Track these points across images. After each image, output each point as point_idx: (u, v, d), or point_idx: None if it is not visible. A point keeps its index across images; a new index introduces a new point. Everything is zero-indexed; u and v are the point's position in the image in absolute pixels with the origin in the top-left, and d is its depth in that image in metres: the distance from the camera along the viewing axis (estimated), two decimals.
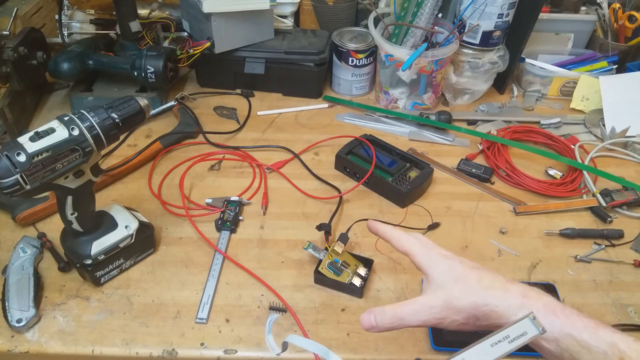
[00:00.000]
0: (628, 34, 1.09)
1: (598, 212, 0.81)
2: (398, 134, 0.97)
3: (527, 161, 0.91)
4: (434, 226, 0.78)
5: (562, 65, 1.08)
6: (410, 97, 1.03)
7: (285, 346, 0.42)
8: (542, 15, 1.05)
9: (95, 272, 0.66)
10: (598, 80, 1.01)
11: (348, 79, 1.05)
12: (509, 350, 0.40)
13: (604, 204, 0.81)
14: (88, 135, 0.57)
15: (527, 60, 1.06)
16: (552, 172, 0.88)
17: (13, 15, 0.95)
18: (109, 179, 0.83)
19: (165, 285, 0.69)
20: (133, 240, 0.68)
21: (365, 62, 1.03)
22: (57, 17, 1.02)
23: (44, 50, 0.95)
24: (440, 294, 0.47)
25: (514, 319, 0.41)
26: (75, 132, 0.56)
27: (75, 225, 0.63)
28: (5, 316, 0.62)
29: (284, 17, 1.09)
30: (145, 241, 0.70)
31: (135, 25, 0.98)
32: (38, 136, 0.53)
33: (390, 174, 0.83)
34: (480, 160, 0.92)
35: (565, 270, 0.72)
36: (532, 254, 0.74)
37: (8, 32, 0.93)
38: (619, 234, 0.77)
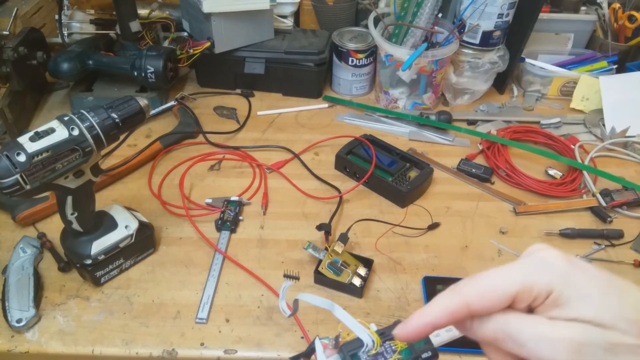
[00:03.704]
0: (628, 34, 1.09)
1: (598, 212, 0.81)
2: (398, 134, 0.97)
3: (527, 161, 0.91)
4: (434, 226, 0.78)
5: (562, 65, 1.08)
6: (410, 97, 1.03)
7: (296, 305, 0.45)
8: (542, 15, 1.05)
9: (95, 272, 0.66)
10: (598, 80, 1.01)
11: (348, 79, 1.05)
12: (443, 341, 0.42)
13: (604, 204, 0.81)
14: (88, 135, 0.57)
15: (527, 60, 1.06)
16: (552, 172, 0.88)
17: (13, 15, 0.95)
18: (109, 179, 0.83)
19: (165, 285, 0.69)
20: (133, 240, 0.68)
21: (365, 62, 1.03)
22: (57, 17, 1.01)
23: (44, 50, 0.95)
24: None
25: None
26: (75, 132, 0.56)
27: (75, 225, 0.63)
28: (5, 316, 0.62)
29: (284, 17, 1.09)
30: (145, 241, 0.70)
31: (135, 25, 0.98)
32: (38, 136, 0.53)
33: (390, 174, 0.83)
34: (480, 160, 0.92)
35: None
36: None
37: (8, 32, 0.93)
38: (619, 234, 0.77)
